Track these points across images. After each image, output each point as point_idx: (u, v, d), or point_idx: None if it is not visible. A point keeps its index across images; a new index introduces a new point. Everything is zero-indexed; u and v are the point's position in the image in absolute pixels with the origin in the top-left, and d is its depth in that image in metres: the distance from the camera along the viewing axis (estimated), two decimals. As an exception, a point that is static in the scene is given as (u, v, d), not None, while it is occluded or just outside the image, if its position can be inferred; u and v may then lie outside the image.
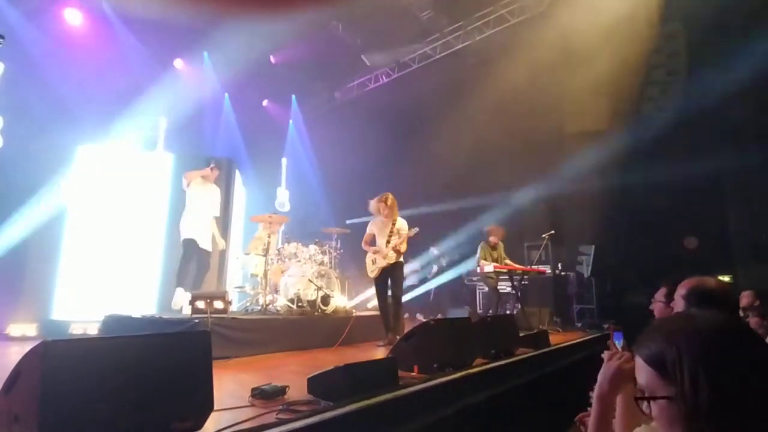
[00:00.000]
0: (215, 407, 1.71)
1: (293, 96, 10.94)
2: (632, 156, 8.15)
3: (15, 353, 4.03)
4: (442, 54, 9.26)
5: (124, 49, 7.32)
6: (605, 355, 1.55)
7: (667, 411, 0.72)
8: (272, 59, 9.52)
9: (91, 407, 1.32)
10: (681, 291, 1.67)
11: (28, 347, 1.39)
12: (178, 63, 8.42)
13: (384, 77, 10.25)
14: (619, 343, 1.60)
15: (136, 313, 4.39)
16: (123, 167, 6.31)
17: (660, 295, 2.27)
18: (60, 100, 6.15)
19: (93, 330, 4.87)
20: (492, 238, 6.49)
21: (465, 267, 8.66)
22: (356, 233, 5.84)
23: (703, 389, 0.68)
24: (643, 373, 0.78)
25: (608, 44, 7.74)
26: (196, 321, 3.67)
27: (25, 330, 4.81)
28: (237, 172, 7.45)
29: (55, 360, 1.29)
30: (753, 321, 2.73)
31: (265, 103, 10.56)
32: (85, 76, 6.59)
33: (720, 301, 1.55)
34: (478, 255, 6.45)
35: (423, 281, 9.44)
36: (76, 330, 5.00)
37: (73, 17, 6.93)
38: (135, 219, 6.12)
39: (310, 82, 10.70)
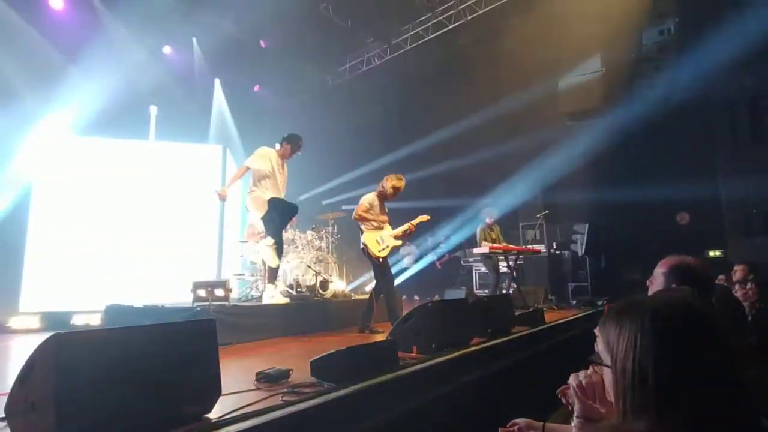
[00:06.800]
0: (222, 391, 1.77)
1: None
2: (625, 134, 8.18)
3: (20, 345, 4.07)
4: (435, 34, 9.16)
5: (110, 34, 7.14)
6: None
7: (608, 377, 0.88)
8: (262, 43, 9.36)
9: (106, 394, 1.37)
10: (662, 268, 1.67)
11: (33, 339, 1.43)
12: (166, 49, 8.27)
13: (376, 59, 10.13)
14: None
15: (138, 303, 4.42)
16: (114, 158, 6.27)
17: None
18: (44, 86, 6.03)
19: (94, 321, 4.91)
20: (488, 220, 6.72)
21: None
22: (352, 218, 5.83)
23: (629, 360, 0.80)
24: (599, 343, 0.94)
25: (601, 19, 7.68)
26: (198, 309, 3.72)
27: (27, 323, 4.83)
28: (231, 160, 7.41)
29: (69, 351, 1.33)
30: (741, 293, 2.80)
31: (256, 88, 10.40)
32: (69, 63, 6.44)
33: (698, 278, 1.59)
34: (477, 237, 6.63)
35: (418, 261, 9.61)
36: (78, 321, 5.03)
37: (55, 0, 6.73)
38: (127, 209, 6.12)
39: (302, 66, 10.54)
